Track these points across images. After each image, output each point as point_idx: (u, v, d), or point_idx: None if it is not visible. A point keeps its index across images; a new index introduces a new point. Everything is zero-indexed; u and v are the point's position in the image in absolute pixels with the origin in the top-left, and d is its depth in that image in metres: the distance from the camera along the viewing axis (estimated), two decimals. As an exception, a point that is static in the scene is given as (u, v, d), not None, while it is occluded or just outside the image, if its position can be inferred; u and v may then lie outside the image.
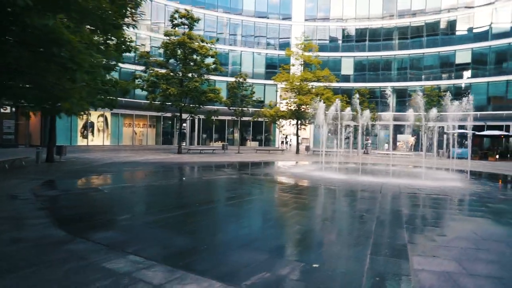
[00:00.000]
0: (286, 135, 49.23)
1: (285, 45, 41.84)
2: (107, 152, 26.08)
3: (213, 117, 28.41)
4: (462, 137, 33.11)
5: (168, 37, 25.86)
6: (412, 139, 42.75)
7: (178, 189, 10.93)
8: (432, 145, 30.35)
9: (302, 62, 33.02)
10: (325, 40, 44.91)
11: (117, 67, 18.30)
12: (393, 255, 5.04)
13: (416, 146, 39.76)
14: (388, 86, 38.88)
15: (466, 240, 5.77)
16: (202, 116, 29.78)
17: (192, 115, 27.98)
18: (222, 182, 12.48)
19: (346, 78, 43.26)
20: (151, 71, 26.31)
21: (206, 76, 27.78)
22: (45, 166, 15.41)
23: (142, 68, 27.33)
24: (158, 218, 6.77)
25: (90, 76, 9.86)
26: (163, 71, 26.65)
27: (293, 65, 34.39)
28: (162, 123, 39.16)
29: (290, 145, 48.67)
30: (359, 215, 7.53)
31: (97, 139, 34.24)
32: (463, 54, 38.22)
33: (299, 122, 32.80)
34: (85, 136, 33.07)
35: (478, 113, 36.47)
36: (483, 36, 36.87)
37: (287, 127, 37.17)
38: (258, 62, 44.05)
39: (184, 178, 12.99)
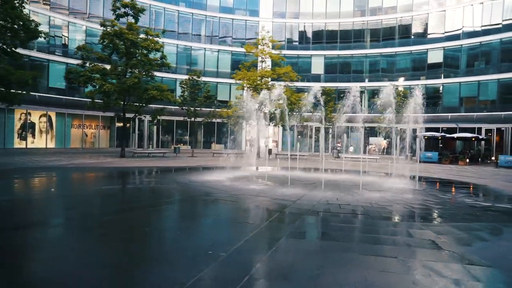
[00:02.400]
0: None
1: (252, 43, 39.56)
2: (40, 156, 23.16)
3: (158, 117, 25.78)
4: (431, 139, 31.33)
5: (104, 28, 23.19)
6: (384, 142, 40.84)
7: (18, 206, 8.31)
8: (404, 148, 28.46)
9: (263, 59, 30.67)
10: (295, 40, 42.82)
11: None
12: None
13: (389, 149, 37.90)
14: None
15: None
16: (148, 117, 27.14)
17: (137, 114, 25.37)
18: (103, 194, 9.92)
19: (316, 78, 41.18)
20: (89, 66, 23.63)
21: (152, 72, 25.16)
22: None
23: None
24: None
25: None
26: (108, 66, 24.02)
27: (255, 61, 32.02)
28: (117, 124, 36.25)
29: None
30: (199, 252, 5.05)
31: (39, 141, 31.10)
32: (435, 53, 36.61)
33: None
34: (23, 138, 29.93)
35: (449, 114, 34.80)
36: (455, 35, 35.30)
37: (249, 128, 34.79)
38: (223, 60, 41.51)
39: (52, 189, 10.36)
